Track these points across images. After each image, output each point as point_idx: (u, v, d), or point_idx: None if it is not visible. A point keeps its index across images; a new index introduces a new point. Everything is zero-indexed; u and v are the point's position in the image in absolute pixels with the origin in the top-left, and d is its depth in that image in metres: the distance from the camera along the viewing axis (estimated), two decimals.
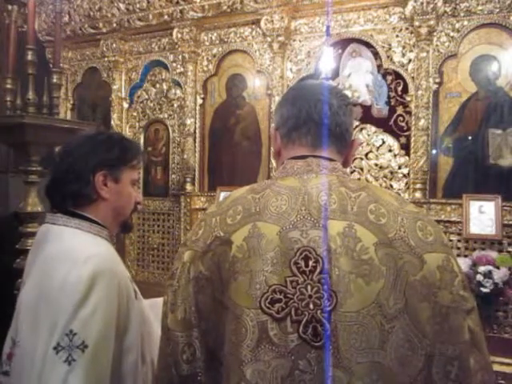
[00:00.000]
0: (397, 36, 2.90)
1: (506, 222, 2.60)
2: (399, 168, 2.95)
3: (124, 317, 1.16)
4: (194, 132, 3.48)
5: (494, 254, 2.53)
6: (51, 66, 2.63)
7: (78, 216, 1.25)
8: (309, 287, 0.81)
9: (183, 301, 0.91)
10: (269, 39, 3.16)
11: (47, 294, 1.11)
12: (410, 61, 2.87)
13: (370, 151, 3.02)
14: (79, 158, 1.26)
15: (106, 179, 1.27)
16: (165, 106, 3.66)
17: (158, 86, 3.70)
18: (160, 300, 1.03)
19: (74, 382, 1.03)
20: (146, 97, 3.74)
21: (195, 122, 3.47)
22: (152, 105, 3.72)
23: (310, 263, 0.81)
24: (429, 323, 0.79)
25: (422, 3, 2.73)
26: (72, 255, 1.15)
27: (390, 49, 2.91)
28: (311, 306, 0.80)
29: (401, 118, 2.95)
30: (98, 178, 1.26)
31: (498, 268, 2.46)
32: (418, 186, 2.82)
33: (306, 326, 0.80)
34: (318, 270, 0.81)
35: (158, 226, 3.69)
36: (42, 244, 1.23)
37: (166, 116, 3.66)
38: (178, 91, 3.59)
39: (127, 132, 3.80)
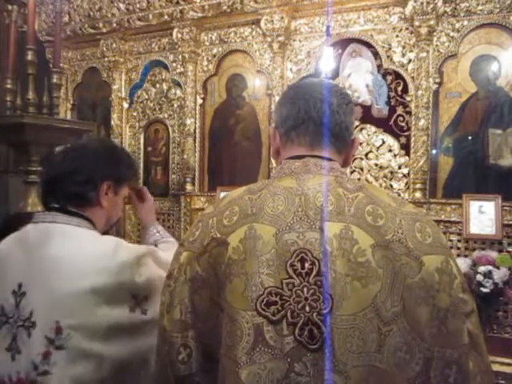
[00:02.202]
0: (397, 36, 2.90)
1: (505, 222, 2.59)
2: (399, 168, 2.95)
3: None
4: (194, 132, 3.47)
5: (494, 254, 2.53)
6: (51, 66, 2.63)
7: (75, 215, 1.28)
8: (305, 289, 0.80)
9: (179, 302, 0.91)
10: (269, 39, 3.16)
11: (81, 287, 1.15)
12: (410, 61, 2.86)
13: (370, 151, 3.01)
14: (93, 162, 1.32)
15: (109, 189, 1.34)
16: (165, 105, 3.66)
17: (158, 86, 3.70)
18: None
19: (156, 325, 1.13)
20: (146, 97, 3.74)
21: (195, 122, 3.47)
22: (152, 105, 3.71)
23: (307, 265, 0.81)
24: (427, 326, 0.78)
25: (422, 3, 2.72)
26: (93, 251, 1.21)
27: (390, 49, 2.91)
28: (307, 309, 0.80)
29: (401, 118, 2.94)
30: (103, 186, 1.32)
31: (498, 268, 2.45)
32: (418, 185, 2.82)
33: (301, 329, 0.79)
34: (315, 272, 0.80)
35: None
36: (42, 244, 1.21)
37: (165, 116, 3.65)
38: (178, 91, 3.58)
39: (127, 132, 3.80)
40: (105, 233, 1.42)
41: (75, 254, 1.19)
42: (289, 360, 0.79)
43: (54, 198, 1.30)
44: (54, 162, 1.36)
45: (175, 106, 3.60)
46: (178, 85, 3.56)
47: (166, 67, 3.63)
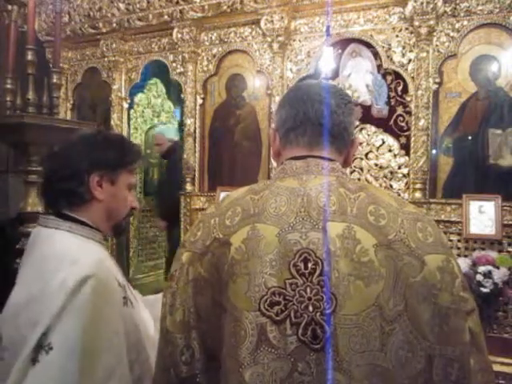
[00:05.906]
0: (397, 36, 2.90)
1: (505, 222, 2.59)
2: (399, 168, 2.95)
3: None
4: (194, 132, 3.47)
5: (493, 254, 2.53)
6: (51, 66, 2.62)
7: (69, 218, 1.22)
8: (308, 289, 0.80)
9: (182, 303, 0.91)
10: (269, 39, 3.16)
11: (33, 300, 1.09)
12: (409, 61, 2.86)
13: (370, 151, 3.01)
14: (75, 156, 1.23)
15: (102, 180, 1.24)
16: None
17: None
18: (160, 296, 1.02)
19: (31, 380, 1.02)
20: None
21: (195, 122, 3.47)
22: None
23: (310, 265, 0.81)
24: (429, 325, 0.79)
25: (422, 3, 2.72)
26: (59, 259, 1.12)
27: (389, 49, 2.91)
28: (310, 309, 0.80)
29: (401, 118, 2.94)
30: (93, 178, 1.22)
31: (497, 268, 2.46)
32: (418, 186, 2.82)
33: (305, 329, 0.79)
34: (318, 272, 0.81)
35: None
36: (32, 247, 1.21)
37: None
38: None
39: (130, 132, 3.81)
40: (116, 228, 1.34)
41: (48, 263, 1.13)
42: (292, 360, 0.79)
43: (48, 200, 1.27)
44: (47, 163, 1.31)
45: None
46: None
47: (166, 68, 3.63)
